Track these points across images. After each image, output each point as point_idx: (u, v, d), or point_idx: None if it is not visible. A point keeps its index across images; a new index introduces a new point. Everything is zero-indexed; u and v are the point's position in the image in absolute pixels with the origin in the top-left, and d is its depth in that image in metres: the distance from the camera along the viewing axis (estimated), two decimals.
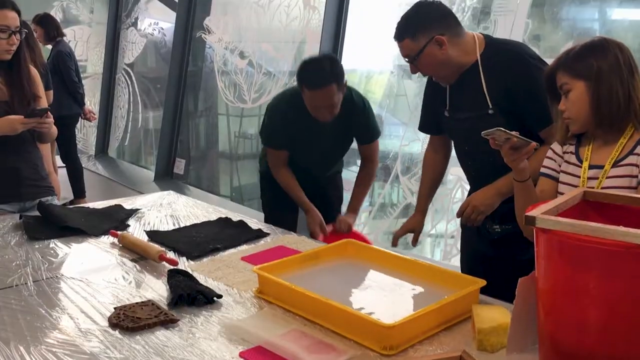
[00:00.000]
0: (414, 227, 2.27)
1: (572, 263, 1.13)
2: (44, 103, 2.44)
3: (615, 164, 1.51)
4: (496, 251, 2.04)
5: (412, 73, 2.01)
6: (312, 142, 2.54)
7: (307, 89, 2.36)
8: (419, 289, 1.59)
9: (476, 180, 2.08)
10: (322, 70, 2.35)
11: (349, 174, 3.09)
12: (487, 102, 1.90)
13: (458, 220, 2.13)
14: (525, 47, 1.98)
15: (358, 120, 2.55)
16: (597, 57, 1.50)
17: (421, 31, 1.89)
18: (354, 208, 2.67)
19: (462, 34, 1.93)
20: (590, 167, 1.54)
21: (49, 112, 2.30)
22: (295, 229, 2.46)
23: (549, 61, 1.62)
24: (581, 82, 1.51)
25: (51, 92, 4.52)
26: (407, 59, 1.95)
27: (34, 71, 2.45)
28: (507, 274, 1.90)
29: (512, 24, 2.73)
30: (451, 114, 2.04)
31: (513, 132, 1.49)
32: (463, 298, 1.43)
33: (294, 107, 2.48)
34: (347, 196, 2.83)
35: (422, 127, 2.29)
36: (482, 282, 1.50)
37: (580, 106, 1.52)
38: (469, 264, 2.17)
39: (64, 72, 4.94)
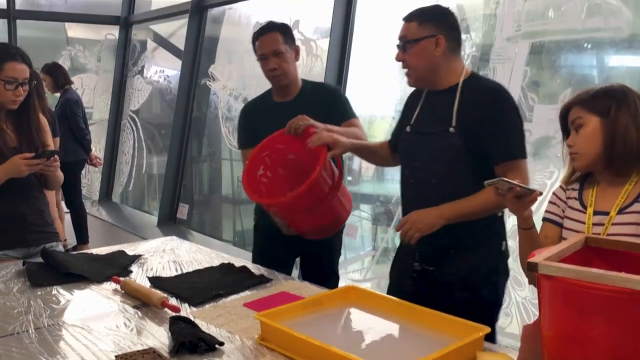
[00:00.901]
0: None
1: (576, 309, 1.12)
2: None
3: (620, 211, 1.49)
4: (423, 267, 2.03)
5: (396, 59, 2.00)
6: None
7: (255, 42, 2.49)
8: (423, 336, 1.57)
9: (412, 202, 2.04)
10: (269, 22, 2.52)
11: None
12: (452, 120, 1.92)
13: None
14: (504, 88, 2.01)
15: (329, 102, 2.50)
16: (617, 98, 1.50)
17: (430, 23, 1.94)
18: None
19: (457, 54, 2.00)
20: (595, 213, 1.53)
21: (55, 156, 2.32)
22: None
23: (549, 107, 1.64)
24: (596, 118, 1.50)
25: (58, 139, 4.58)
26: (402, 41, 1.96)
27: (43, 120, 2.49)
28: (435, 286, 1.96)
29: (510, 71, 2.78)
30: (414, 128, 2.06)
31: (515, 181, 1.50)
32: (467, 345, 1.42)
33: (261, 105, 2.59)
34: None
35: (389, 142, 2.26)
36: (487, 329, 1.49)
37: (591, 142, 1.51)
38: (399, 279, 2.13)
39: (71, 119, 5.02)
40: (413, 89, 2.13)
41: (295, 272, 2.87)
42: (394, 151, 2.22)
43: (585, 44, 2.61)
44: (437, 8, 2.04)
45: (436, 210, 1.91)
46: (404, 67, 2.00)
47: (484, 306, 1.96)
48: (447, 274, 1.97)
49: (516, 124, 1.93)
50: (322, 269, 2.64)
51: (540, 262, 1.14)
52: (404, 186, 2.11)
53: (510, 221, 2.25)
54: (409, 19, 1.97)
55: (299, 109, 2.36)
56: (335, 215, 2.31)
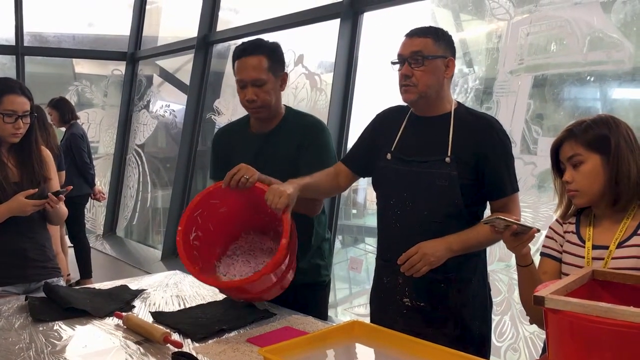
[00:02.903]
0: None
1: (584, 344, 1.10)
2: (55, 184, 2.48)
3: (620, 245, 1.48)
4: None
5: (403, 72, 1.89)
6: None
7: (235, 61, 2.13)
8: None
9: (398, 234, 1.95)
10: (255, 40, 2.16)
11: None
12: (448, 150, 1.88)
13: None
14: (494, 119, 1.99)
15: (310, 144, 2.17)
16: (611, 131, 1.50)
17: (443, 43, 1.91)
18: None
19: (450, 83, 1.97)
20: (594, 247, 1.52)
21: (61, 196, 2.33)
22: None
23: (553, 140, 1.63)
24: (596, 156, 1.50)
25: (63, 172, 4.61)
26: (414, 55, 1.87)
27: (46, 152, 2.49)
28: (426, 322, 1.90)
29: (514, 104, 2.79)
30: (397, 155, 1.98)
31: (512, 219, 1.48)
32: None
33: (237, 132, 2.29)
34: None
35: (346, 160, 2.14)
36: None
37: (593, 180, 1.51)
38: (385, 315, 2.03)
39: (75, 154, 5.05)
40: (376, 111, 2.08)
41: None
42: (355, 173, 2.11)
43: (588, 77, 2.63)
44: (445, 31, 1.97)
45: (444, 242, 1.85)
46: (406, 82, 1.90)
47: (478, 340, 1.93)
48: (439, 308, 1.92)
49: (512, 157, 1.93)
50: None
51: (546, 296, 1.12)
52: (387, 217, 2.00)
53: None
54: (423, 34, 1.90)
55: (277, 142, 2.19)
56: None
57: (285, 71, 2.22)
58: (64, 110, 5.16)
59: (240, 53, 2.14)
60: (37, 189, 2.30)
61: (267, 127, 2.25)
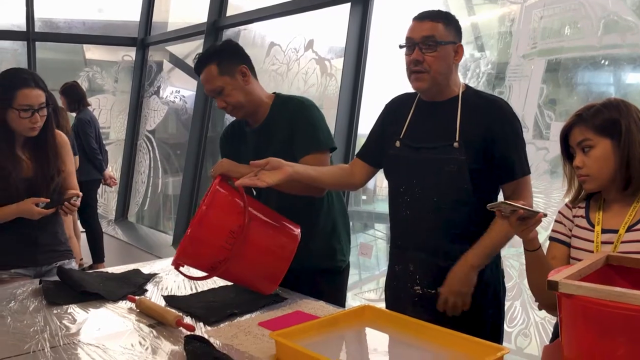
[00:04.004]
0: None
1: (598, 329, 1.10)
2: (70, 176, 2.45)
3: (629, 229, 1.48)
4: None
5: (412, 55, 1.84)
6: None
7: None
8: (439, 356, 1.55)
9: (409, 220, 1.95)
10: (202, 54, 2.14)
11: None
12: (456, 135, 1.85)
13: None
14: (505, 100, 1.96)
15: (299, 127, 2.13)
16: (621, 115, 1.49)
17: (452, 29, 1.88)
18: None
19: (457, 68, 1.95)
20: (604, 231, 1.51)
21: (73, 201, 2.34)
22: None
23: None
24: (607, 140, 1.49)
25: (77, 157, 4.64)
26: (426, 40, 1.83)
27: (63, 138, 2.46)
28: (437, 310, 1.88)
29: (527, 89, 2.77)
30: (406, 142, 1.97)
31: (519, 204, 1.47)
32: None
33: (237, 130, 2.31)
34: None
35: (361, 154, 2.14)
36: (506, 350, 1.46)
37: (603, 164, 1.49)
38: (397, 303, 2.03)
39: (82, 139, 5.08)
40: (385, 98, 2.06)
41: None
42: (371, 165, 2.10)
43: (602, 61, 2.60)
44: (452, 15, 1.93)
45: (466, 266, 1.83)
46: (417, 68, 1.85)
47: (490, 327, 1.92)
48: None
49: (523, 139, 1.90)
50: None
51: (560, 281, 1.12)
52: (397, 204, 1.98)
53: None
54: (434, 18, 1.85)
55: (269, 133, 2.17)
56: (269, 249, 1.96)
57: (243, 64, 2.16)
58: (74, 96, 5.18)
59: (196, 71, 2.18)
60: (48, 199, 2.30)
61: (258, 121, 2.24)
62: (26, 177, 2.31)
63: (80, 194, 2.38)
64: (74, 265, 2.53)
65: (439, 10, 1.91)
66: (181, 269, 1.96)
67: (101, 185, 5.48)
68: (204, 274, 1.98)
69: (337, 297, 2.27)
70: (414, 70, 1.87)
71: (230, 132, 2.39)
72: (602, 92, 2.71)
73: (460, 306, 1.85)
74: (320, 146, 2.13)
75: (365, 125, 3.65)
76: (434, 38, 1.84)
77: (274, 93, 2.30)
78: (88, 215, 5.26)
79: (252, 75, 2.21)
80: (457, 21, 1.93)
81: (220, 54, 2.15)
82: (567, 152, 1.59)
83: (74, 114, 5.26)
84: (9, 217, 2.27)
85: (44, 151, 2.35)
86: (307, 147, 2.10)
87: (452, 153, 1.85)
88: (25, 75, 2.28)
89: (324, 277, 2.27)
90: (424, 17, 1.88)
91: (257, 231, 1.93)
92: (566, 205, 1.65)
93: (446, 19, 1.88)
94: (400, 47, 1.91)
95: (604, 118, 1.50)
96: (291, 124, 2.15)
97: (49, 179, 2.33)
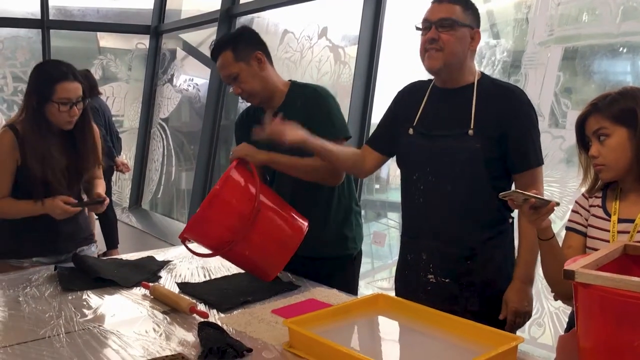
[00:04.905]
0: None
1: (614, 319, 1.09)
2: (100, 173, 2.50)
3: None
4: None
5: (429, 35, 1.83)
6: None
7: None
8: (453, 345, 1.54)
9: (423, 209, 1.93)
10: (218, 41, 2.17)
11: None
12: (470, 123, 1.84)
13: None
14: (520, 89, 1.94)
15: (314, 113, 2.14)
16: (638, 104, 1.47)
17: (470, 13, 1.87)
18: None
19: (474, 55, 1.93)
20: (620, 220, 1.50)
21: (100, 204, 2.38)
22: None
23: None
24: (623, 129, 1.47)
25: None
26: (443, 21, 1.82)
27: (97, 131, 2.48)
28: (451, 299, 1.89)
29: (543, 77, 2.73)
30: (419, 130, 1.95)
31: (531, 192, 1.46)
32: (499, 355, 1.38)
33: (253, 115, 2.32)
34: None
35: (370, 141, 2.13)
36: (520, 339, 1.45)
37: (620, 153, 1.48)
38: (410, 292, 1.99)
39: None
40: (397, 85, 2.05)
41: None
42: (381, 154, 2.09)
43: (621, 49, 2.56)
44: (472, 2, 1.91)
45: (520, 282, 1.84)
46: (431, 45, 1.83)
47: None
48: (464, 285, 1.90)
49: (538, 129, 1.88)
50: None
51: (577, 270, 1.11)
52: (411, 194, 1.97)
53: None
54: (453, 1, 1.85)
55: (283, 120, 2.10)
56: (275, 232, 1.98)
57: (259, 50, 2.18)
58: (85, 85, 5.18)
59: (212, 57, 2.20)
60: (77, 201, 2.34)
61: (273, 108, 2.23)
62: (60, 168, 2.32)
63: (107, 199, 2.41)
64: (93, 249, 2.54)
65: None
66: (188, 244, 1.99)
67: (115, 172, 5.50)
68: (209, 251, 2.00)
69: (348, 284, 2.27)
70: (429, 47, 1.85)
71: (245, 117, 2.40)
72: (619, 80, 2.67)
73: (522, 323, 1.87)
74: (335, 134, 2.13)
75: (379, 113, 3.62)
76: (451, 19, 1.83)
77: (289, 80, 2.30)
78: None
79: (267, 61, 2.22)
80: (475, 7, 1.91)
81: (236, 40, 2.17)
82: (583, 142, 1.57)
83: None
84: (36, 213, 2.29)
85: (83, 143, 2.37)
86: (321, 135, 2.08)
87: (467, 141, 1.84)
88: (64, 69, 2.29)
89: (335, 264, 2.27)
90: (442, 0, 1.87)
91: (266, 219, 1.95)
92: (583, 195, 1.64)
93: (465, 3, 1.87)
94: (417, 28, 1.89)
95: (620, 107, 1.48)
96: (306, 111, 2.14)
97: (83, 171, 2.35)
